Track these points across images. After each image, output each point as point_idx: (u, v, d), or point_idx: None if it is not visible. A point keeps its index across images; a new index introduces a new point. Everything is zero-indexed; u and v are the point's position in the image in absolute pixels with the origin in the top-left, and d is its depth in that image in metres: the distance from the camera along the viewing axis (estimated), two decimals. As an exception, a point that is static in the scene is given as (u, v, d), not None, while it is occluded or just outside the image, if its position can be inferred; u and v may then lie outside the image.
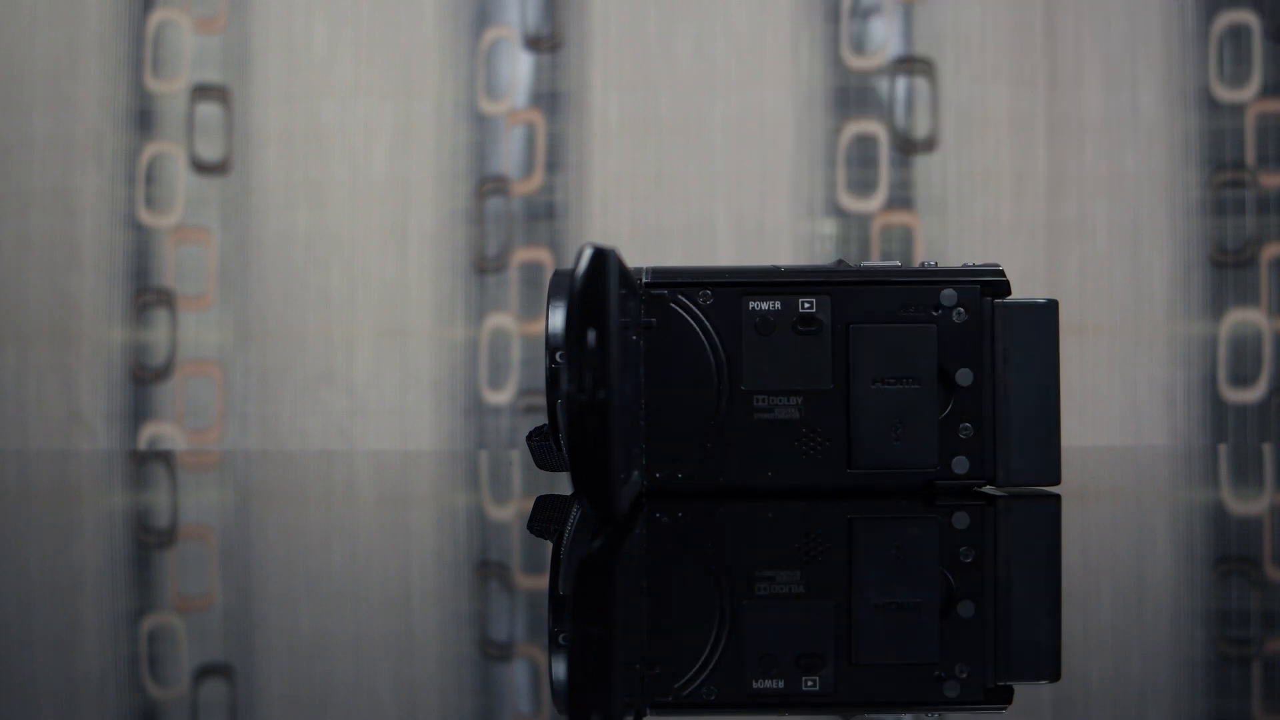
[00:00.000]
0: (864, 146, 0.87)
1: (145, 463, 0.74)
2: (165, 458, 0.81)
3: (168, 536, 0.42)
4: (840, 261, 0.46)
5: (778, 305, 0.45)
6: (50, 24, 0.92)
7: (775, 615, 0.31)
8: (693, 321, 0.45)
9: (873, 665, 0.27)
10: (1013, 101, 0.86)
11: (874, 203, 0.86)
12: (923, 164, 0.86)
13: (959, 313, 0.45)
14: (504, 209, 0.89)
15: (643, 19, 0.90)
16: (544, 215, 0.89)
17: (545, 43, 0.92)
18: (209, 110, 0.92)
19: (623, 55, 0.91)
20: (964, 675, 0.26)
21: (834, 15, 0.90)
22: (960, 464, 0.45)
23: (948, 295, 0.45)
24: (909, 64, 0.88)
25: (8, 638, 0.28)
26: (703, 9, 0.90)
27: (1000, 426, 0.45)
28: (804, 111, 0.89)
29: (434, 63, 0.92)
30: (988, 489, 0.46)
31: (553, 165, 0.90)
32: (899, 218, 0.86)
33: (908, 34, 0.88)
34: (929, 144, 0.87)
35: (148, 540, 0.42)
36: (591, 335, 0.35)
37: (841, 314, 0.45)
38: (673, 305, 0.45)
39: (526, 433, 0.49)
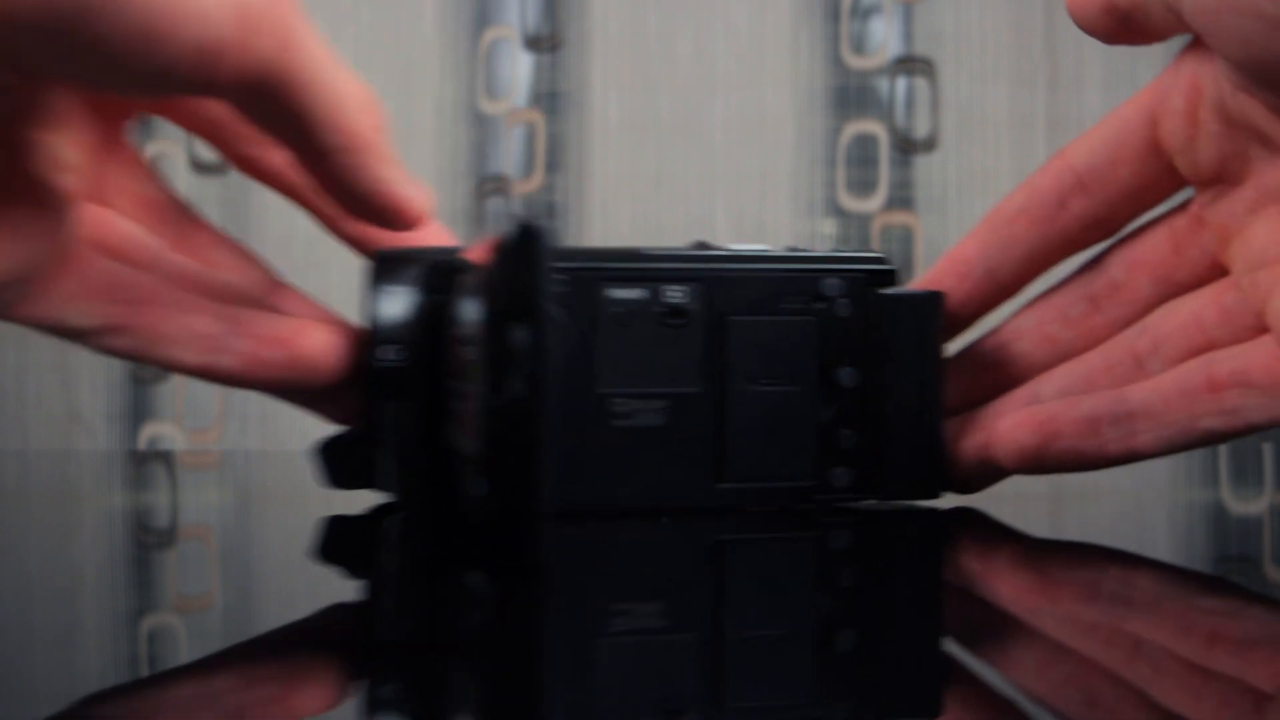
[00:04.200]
0: (864, 146, 0.87)
1: (145, 463, 0.74)
2: (165, 458, 0.81)
3: (167, 536, 0.42)
4: (700, 244, 0.41)
5: (641, 294, 0.40)
6: (50, 24, 0.92)
7: (633, 655, 0.27)
8: None
9: (743, 708, 0.24)
10: (1013, 101, 0.86)
11: (874, 202, 0.86)
12: (923, 164, 0.86)
13: (843, 304, 0.41)
14: (504, 209, 0.89)
15: (643, 19, 0.90)
16: (544, 215, 0.89)
17: (545, 43, 0.92)
18: (209, 110, 0.92)
19: (623, 55, 0.91)
20: (842, 716, 0.23)
21: (834, 15, 0.90)
22: (841, 476, 0.40)
23: (831, 285, 0.41)
24: (909, 64, 0.88)
25: (7, 638, 0.28)
26: (703, 9, 0.90)
27: (885, 433, 0.41)
28: (804, 111, 0.89)
29: (434, 63, 0.92)
30: (871, 504, 0.41)
31: (553, 165, 0.90)
32: (899, 218, 0.86)
33: (908, 34, 0.88)
34: (929, 144, 0.87)
35: (147, 540, 0.42)
36: (520, 333, 0.30)
37: (714, 305, 0.40)
38: None
39: (320, 442, 0.41)
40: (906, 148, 0.86)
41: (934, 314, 0.41)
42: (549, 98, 0.91)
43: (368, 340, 0.38)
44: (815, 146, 0.88)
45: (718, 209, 0.88)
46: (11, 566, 0.37)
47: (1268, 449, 0.79)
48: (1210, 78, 0.39)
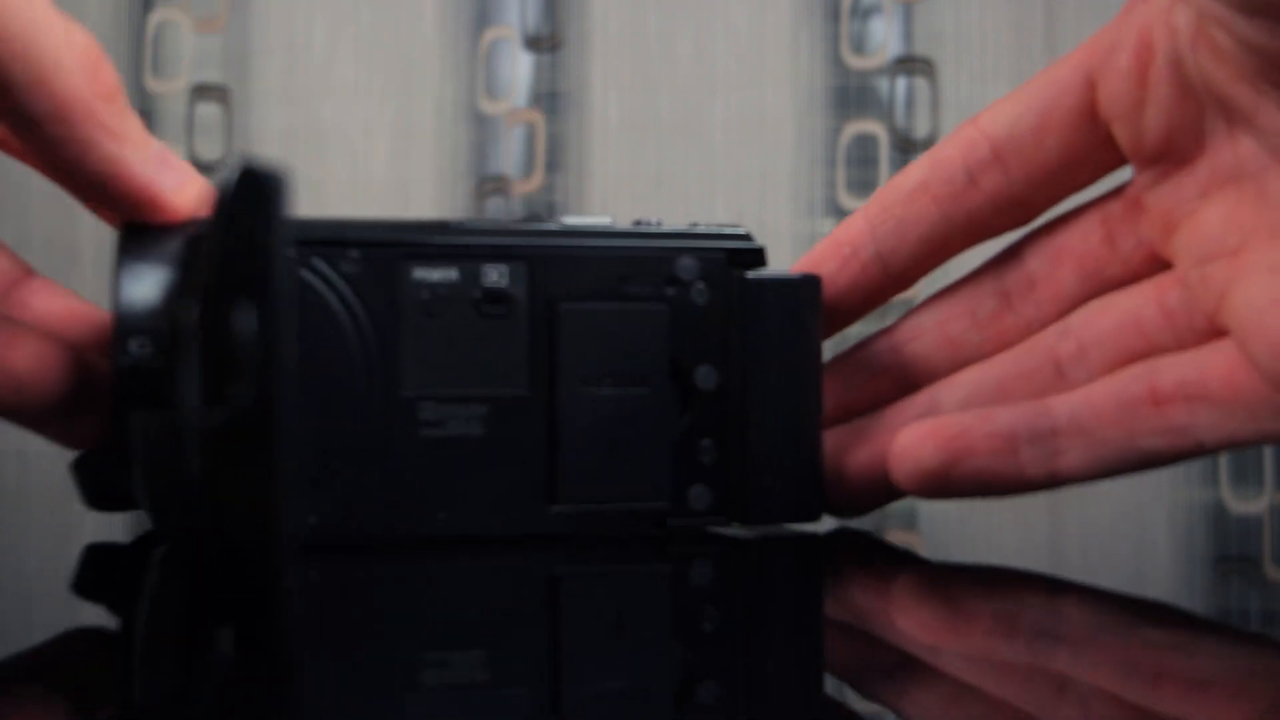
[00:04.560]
0: (864, 146, 0.87)
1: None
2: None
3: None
4: (533, 217, 0.36)
5: (454, 275, 0.33)
6: (50, 24, 0.92)
7: (451, 715, 0.22)
8: (331, 296, 0.32)
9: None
10: (1013, 101, 0.86)
11: (874, 203, 0.87)
12: (923, 164, 0.86)
13: (699, 290, 0.34)
14: (504, 209, 0.89)
15: (643, 19, 0.90)
16: (544, 215, 0.89)
17: (545, 43, 0.92)
18: (209, 110, 0.92)
19: (623, 55, 0.91)
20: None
21: (834, 15, 0.90)
22: (700, 496, 0.34)
23: (686, 266, 0.34)
24: (909, 64, 0.88)
25: (8, 638, 0.28)
26: (703, 9, 0.90)
27: (752, 445, 0.35)
28: (804, 111, 0.89)
29: (434, 63, 0.92)
30: (735, 529, 0.36)
31: (553, 165, 0.90)
32: (899, 218, 0.86)
33: (908, 34, 0.88)
34: (929, 144, 0.87)
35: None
36: (244, 317, 0.22)
37: (543, 289, 0.33)
38: (304, 272, 0.32)
39: (75, 457, 0.34)
40: (906, 148, 0.86)
41: (810, 302, 0.35)
42: (549, 98, 0.91)
43: (117, 334, 0.31)
44: (815, 146, 0.88)
45: (718, 209, 0.88)
46: (11, 566, 0.37)
47: (1268, 448, 0.79)
48: (1165, 30, 0.33)
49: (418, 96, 0.93)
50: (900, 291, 0.38)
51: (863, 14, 0.90)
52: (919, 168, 0.36)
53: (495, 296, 0.33)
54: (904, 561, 0.38)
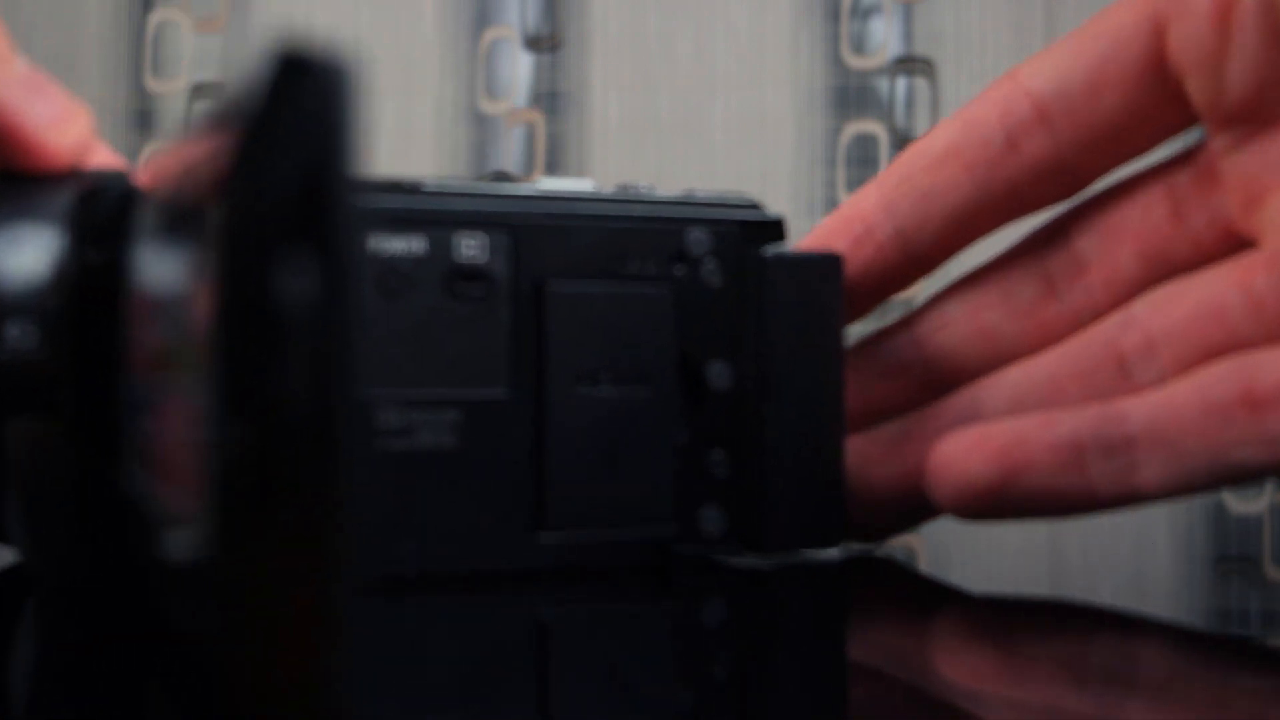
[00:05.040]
0: (864, 146, 0.87)
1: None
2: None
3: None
4: (499, 175, 0.27)
5: (420, 246, 0.26)
6: (50, 24, 0.92)
7: None
8: None
9: None
10: (1013, 101, 0.86)
11: (874, 203, 0.86)
12: (923, 164, 0.86)
13: (711, 269, 0.29)
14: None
15: (643, 19, 0.90)
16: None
17: (545, 43, 0.92)
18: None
19: (623, 55, 0.91)
20: None
21: (834, 15, 0.90)
22: (712, 519, 0.29)
23: (697, 240, 0.29)
24: (909, 64, 0.88)
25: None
26: (703, 9, 0.91)
27: (769, 456, 0.29)
28: (804, 111, 0.89)
29: (434, 63, 0.92)
30: (751, 559, 0.30)
31: (553, 165, 0.90)
32: (899, 218, 0.86)
33: (908, 34, 0.89)
34: (929, 144, 0.87)
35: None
36: (299, 275, 0.14)
37: (529, 265, 0.27)
38: None
39: None
40: (907, 148, 0.86)
41: (833, 286, 0.29)
42: (549, 98, 0.91)
43: None
44: (815, 146, 0.88)
45: (718, 209, 0.88)
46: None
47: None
48: None
49: (418, 96, 0.93)
50: (921, 276, 0.33)
51: (863, 14, 0.90)
52: (947, 131, 0.31)
53: (470, 273, 0.27)
54: (947, 599, 0.32)
